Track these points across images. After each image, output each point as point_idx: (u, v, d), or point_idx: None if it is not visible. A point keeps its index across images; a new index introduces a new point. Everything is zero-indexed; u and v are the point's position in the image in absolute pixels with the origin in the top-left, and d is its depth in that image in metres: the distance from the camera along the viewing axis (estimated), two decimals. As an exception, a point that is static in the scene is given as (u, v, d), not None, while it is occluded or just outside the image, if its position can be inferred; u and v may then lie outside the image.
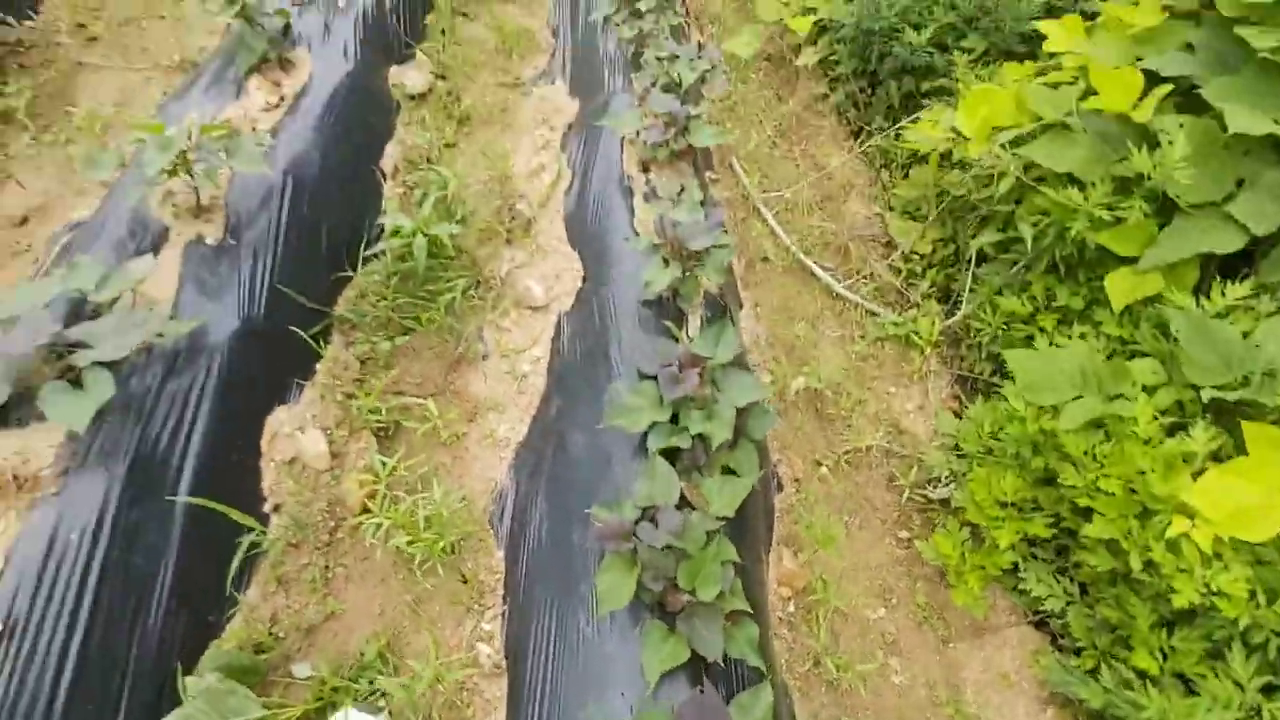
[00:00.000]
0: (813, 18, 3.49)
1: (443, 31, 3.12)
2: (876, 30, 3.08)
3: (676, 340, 1.97)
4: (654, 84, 2.71)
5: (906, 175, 3.08)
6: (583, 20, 3.42)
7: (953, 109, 2.81)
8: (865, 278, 2.80)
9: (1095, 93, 2.21)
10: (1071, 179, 2.09)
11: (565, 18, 3.56)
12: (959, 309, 2.50)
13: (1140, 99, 2.05)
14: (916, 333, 2.50)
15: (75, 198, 2.12)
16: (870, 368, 2.53)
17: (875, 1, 3.06)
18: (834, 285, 2.74)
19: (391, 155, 2.52)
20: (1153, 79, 2.08)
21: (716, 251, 2.02)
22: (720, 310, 2.15)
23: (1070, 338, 2.12)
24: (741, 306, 2.59)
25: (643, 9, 2.99)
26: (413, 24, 3.01)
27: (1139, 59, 2.21)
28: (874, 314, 2.65)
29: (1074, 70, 2.33)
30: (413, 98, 2.76)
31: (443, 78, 2.98)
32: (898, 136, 3.15)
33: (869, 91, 3.34)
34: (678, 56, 2.70)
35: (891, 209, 2.98)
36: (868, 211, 3.01)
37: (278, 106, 2.20)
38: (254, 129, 2.11)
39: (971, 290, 2.47)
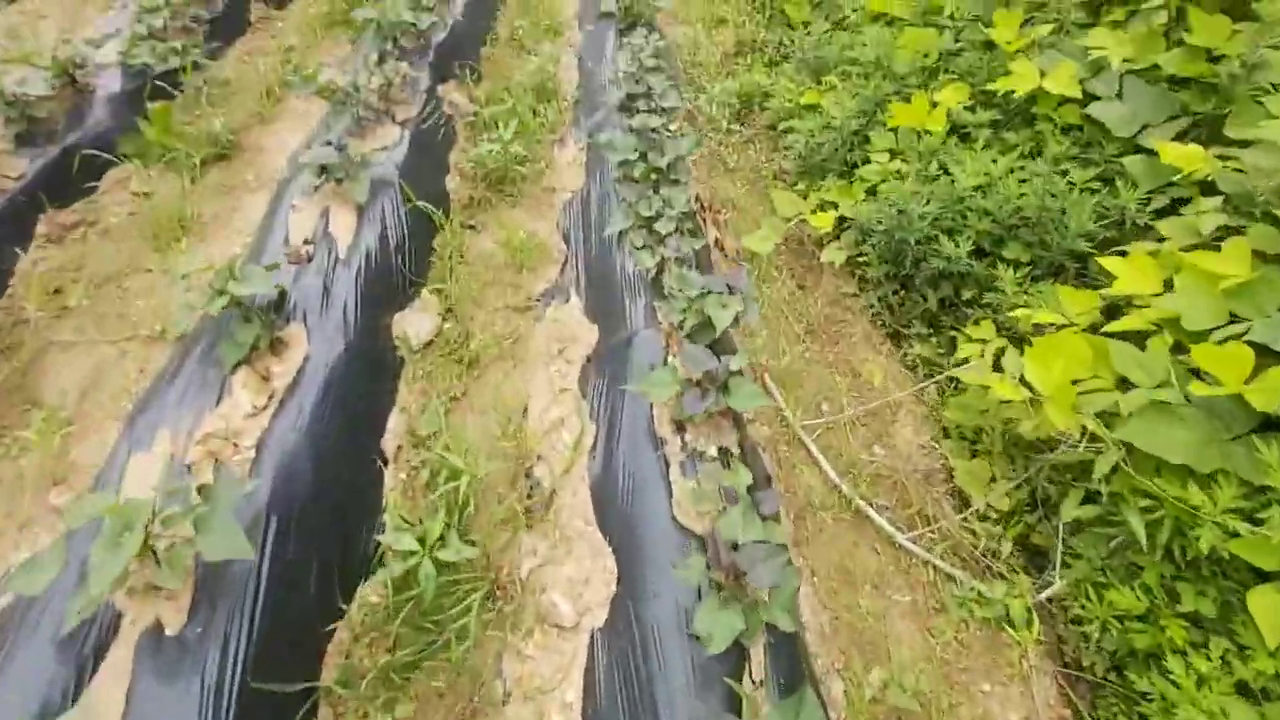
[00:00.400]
0: (834, 213, 3.35)
1: (449, 255, 2.94)
2: (909, 240, 2.91)
3: (740, 705, 1.61)
4: (681, 324, 2.49)
5: (957, 387, 2.82)
6: (595, 227, 3.27)
7: (1007, 341, 2.58)
8: (928, 521, 2.47)
9: (1185, 348, 1.98)
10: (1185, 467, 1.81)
11: (576, 222, 3.42)
12: (1050, 574, 2.17)
13: (1253, 374, 1.81)
14: (1008, 618, 2.14)
15: (19, 532, 1.82)
16: (954, 655, 2.15)
17: (906, 211, 2.90)
18: (896, 536, 2.41)
19: (394, 430, 2.25)
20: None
21: (786, 581, 1.70)
22: (789, 642, 1.80)
23: (1209, 657, 1.77)
24: (798, 585, 2.24)
25: (662, 231, 2.82)
26: (419, 255, 2.83)
27: (1234, 316, 1.98)
28: (948, 575, 2.31)
29: (1155, 318, 2.11)
30: (417, 349, 2.52)
31: (450, 311, 2.76)
32: (943, 346, 2.94)
33: (902, 292, 3.15)
34: (707, 292, 2.48)
35: (947, 435, 2.69)
36: (920, 439, 2.72)
37: (266, 408, 1.93)
38: (235, 445, 1.82)
39: (1065, 565, 2.14)
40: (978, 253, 2.87)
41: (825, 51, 4.21)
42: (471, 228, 3.27)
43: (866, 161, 3.43)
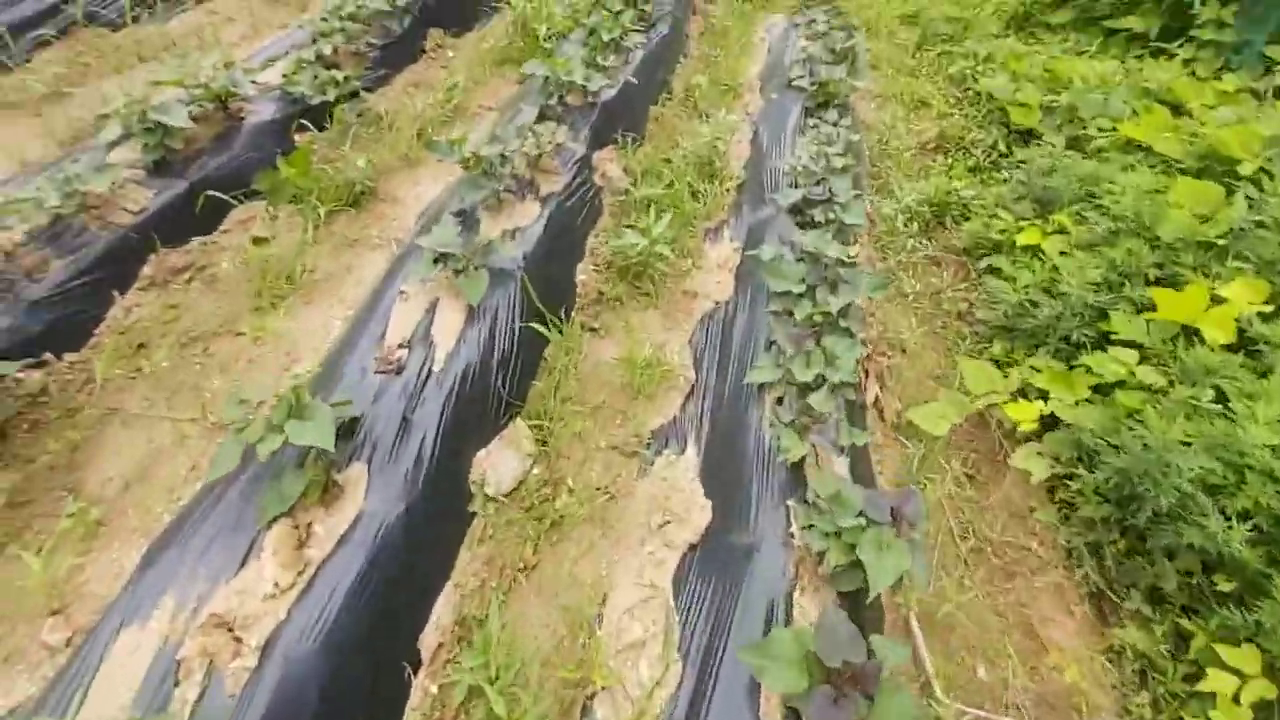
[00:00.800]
0: (1039, 406, 2.61)
1: (559, 370, 2.51)
2: (1154, 494, 2.14)
3: None
4: (821, 556, 1.90)
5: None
6: (735, 358, 2.74)
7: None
8: None
9: None
10: None
11: (713, 343, 2.90)
12: None
13: None
14: None
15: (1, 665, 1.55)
16: None
17: (1156, 451, 2.14)
18: None
19: (438, 619, 1.82)
20: None
21: None
22: None
23: None
24: None
25: (817, 409, 2.23)
26: (524, 370, 2.42)
27: None
28: None
29: None
30: (494, 499, 2.09)
31: (544, 445, 2.32)
32: (1168, 639, 2.14)
33: (1121, 542, 2.36)
34: (866, 524, 1.87)
35: (1165, 794, 1.92)
36: (1123, 785, 1.96)
37: (292, 586, 1.56)
38: (239, 642, 1.45)
39: None
40: (1254, 533, 2.06)
41: (1057, 180, 3.43)
42: (594, 330, 2.84)
43: (1100, 346, 2.66)
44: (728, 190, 3.85)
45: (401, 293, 2.31)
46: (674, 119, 4.32)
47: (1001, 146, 4.33)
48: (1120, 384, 2.49)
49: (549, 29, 4.33)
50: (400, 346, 2.14)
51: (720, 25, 5.48)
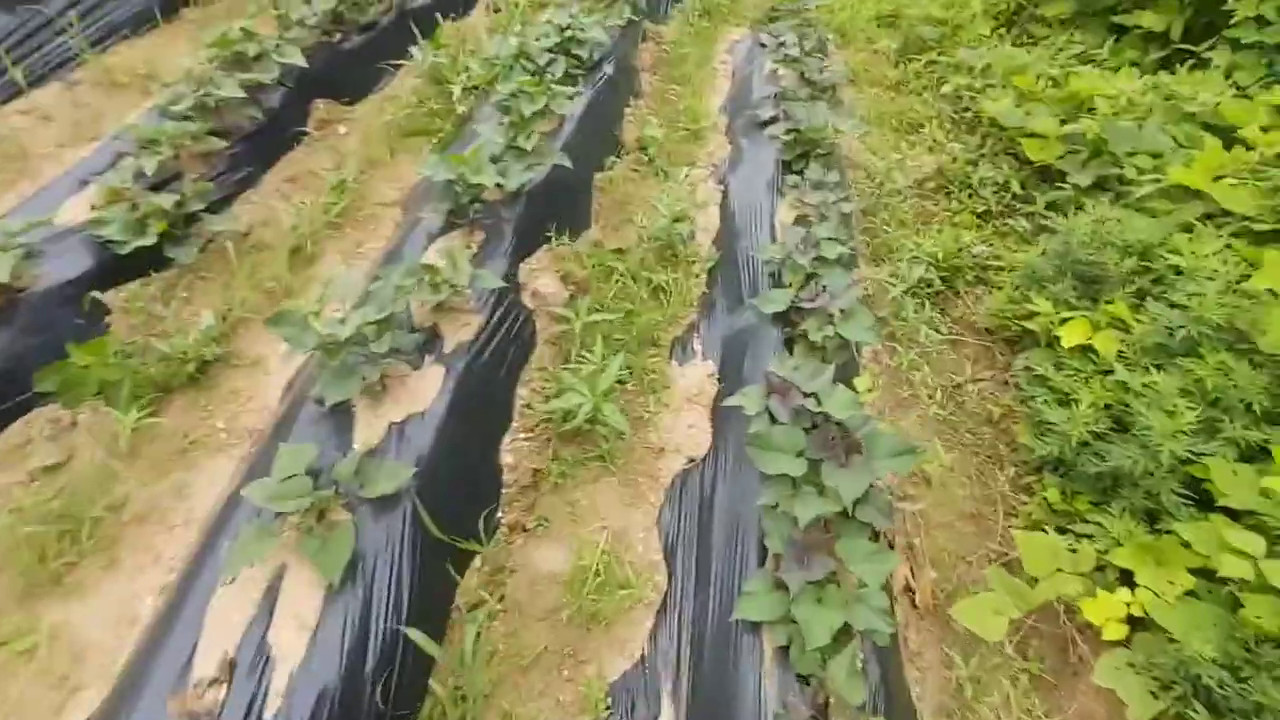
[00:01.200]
0: (1125, 599, 1.96)
1: (475, 623, 1.81)
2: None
3: None
4: None
5: None
6: (720, 550, 2.06)
7: None
8: None
9: None
10: None
11: (689, 526, 2.21)
12: None
13: None
14: None
15: None
16: None
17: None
18: None
19: None
20: None
21: None
22: None
23: None
24: None
25: (837, 685, 1.54)
26: (420, 654, 1.70)
27: None
28: None
29: None
30: None
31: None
32: None
33: (1267, 819, 1.71)
34: None
35: None
36: None
37: None
38: None
39: None
40: None
41: (1102, 252, 2.73)
42: (527, 530, 2.14)
43: (1196, 500, 2.00)
44: (697, 276, 3.14)
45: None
46: (626, 182, 3.59)
47: (1015, 186, 3.65)
48: (1239, 585, 1.83)
49: (466, 82, 3.58)
50: (213, 681, 1.42)
51: (675, 52, 4.73)
